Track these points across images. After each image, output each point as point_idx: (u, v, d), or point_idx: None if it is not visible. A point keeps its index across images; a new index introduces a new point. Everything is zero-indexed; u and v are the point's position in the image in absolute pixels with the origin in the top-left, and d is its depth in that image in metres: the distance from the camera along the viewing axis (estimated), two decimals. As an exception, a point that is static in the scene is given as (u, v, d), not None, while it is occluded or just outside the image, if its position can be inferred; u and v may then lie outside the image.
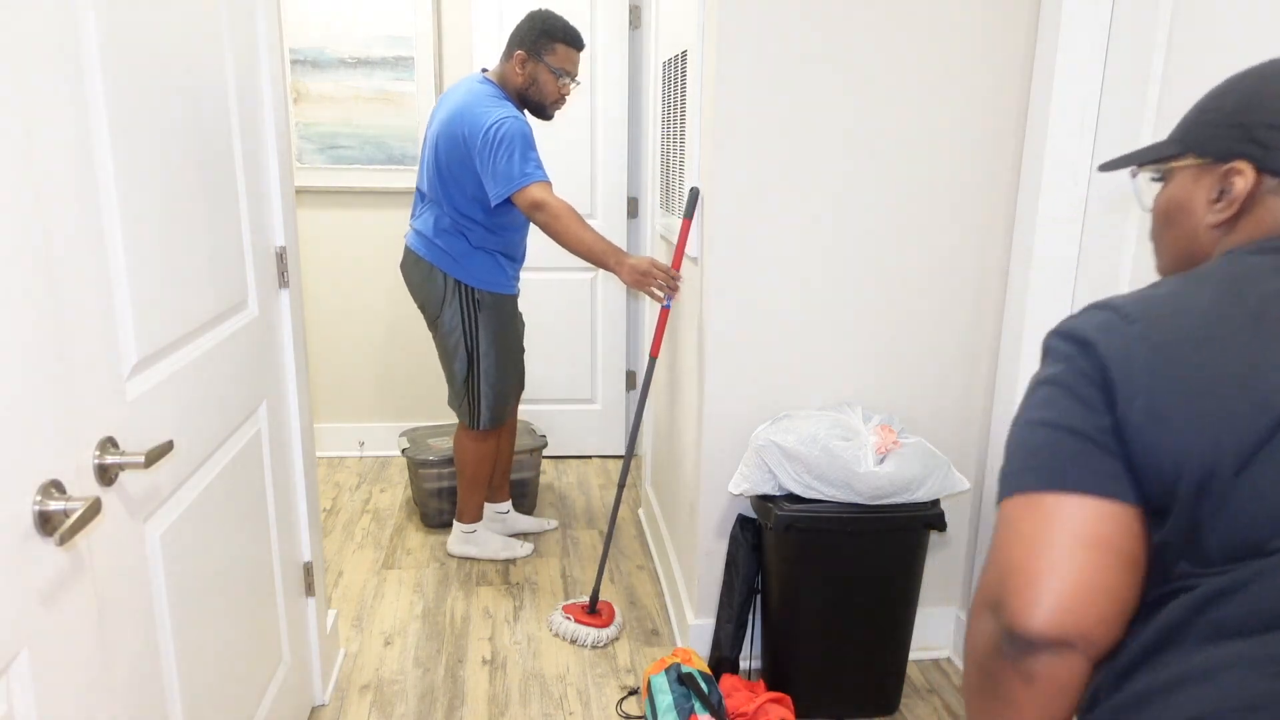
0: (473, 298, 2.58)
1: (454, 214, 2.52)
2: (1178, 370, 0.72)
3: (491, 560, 2.87)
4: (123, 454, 1.07)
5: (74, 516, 0.90)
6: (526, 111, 2.56)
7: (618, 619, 2.49)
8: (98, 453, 1.04)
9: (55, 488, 0.93)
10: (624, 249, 2.91)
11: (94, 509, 0.93)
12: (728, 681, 2.07)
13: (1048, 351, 0.82)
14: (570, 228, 2.37)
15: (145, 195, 1.19)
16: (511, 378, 2.72)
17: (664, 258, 2.73)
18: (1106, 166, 1.00)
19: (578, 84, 2.58)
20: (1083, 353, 0.78)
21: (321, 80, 3.42)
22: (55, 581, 0.94)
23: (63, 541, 0.88)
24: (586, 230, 2.39)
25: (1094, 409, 0.75)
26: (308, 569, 2.01)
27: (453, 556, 2.90)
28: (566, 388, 3.70)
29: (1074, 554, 0.72)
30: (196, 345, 1.39)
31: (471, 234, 2.53)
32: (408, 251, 2.64)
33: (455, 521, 2.88)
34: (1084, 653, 0.73)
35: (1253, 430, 0.69)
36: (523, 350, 2.79)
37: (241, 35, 1.59)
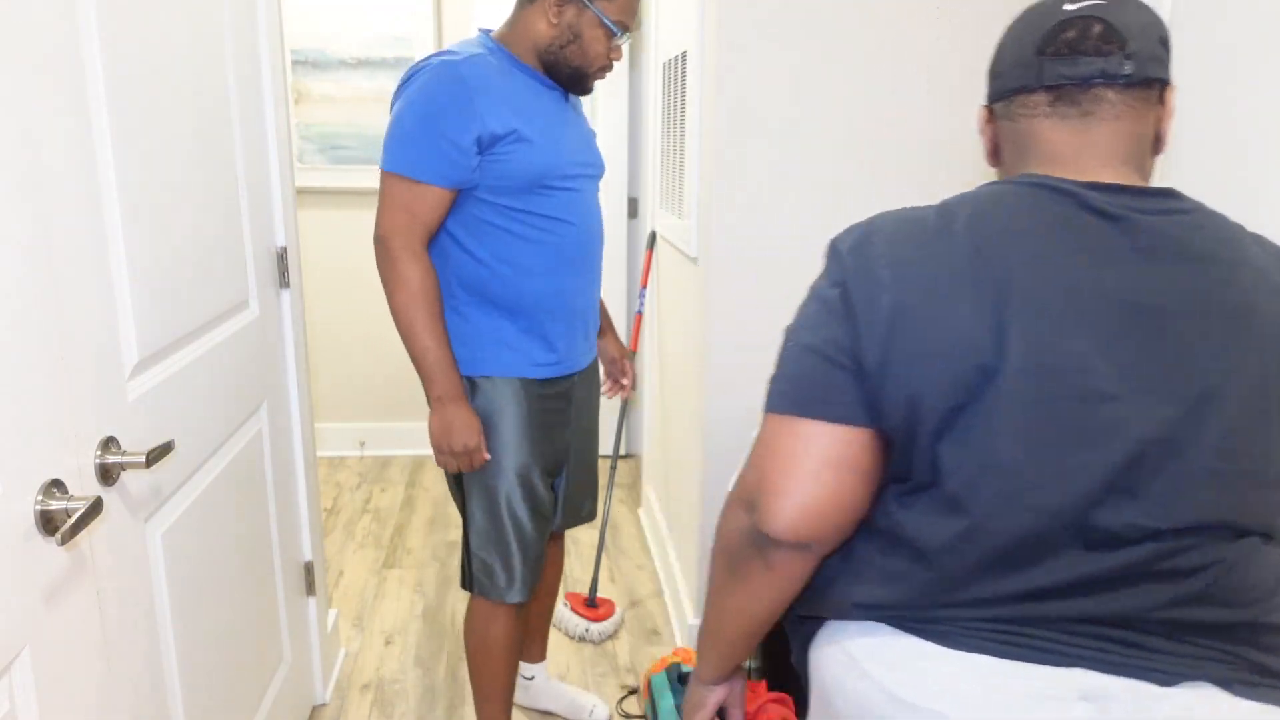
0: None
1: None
2: (905, 325, 0.82)
3: None
4: (124, 454, 1.07)
5: (75, 516, 0.90)
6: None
7: (615, 616, 2.48)
8: (99, 452, 1.04)
9: (57, 487, 0.93)
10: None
11: (95, 508, 0.93)
12: (728, 681, 2.07)
13: (826, 260, 0.92)
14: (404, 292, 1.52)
15: (146, 195, 1.19)
16: (518, 531, 1.66)
17: (664, 256, 2.73)
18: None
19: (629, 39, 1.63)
20: (838, 267, 0.88)
21: (323, 81, 3.42)
22: (57, 581, 0.95)
23: (64, 541, 0.88)
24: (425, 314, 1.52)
25: (842, 326, 0.85)
26: (308, 568, 2.02)
27: None
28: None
29: (819, 474, 0.84)
30: (198, 345, 1.39)
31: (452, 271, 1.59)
32: None
33: None
34: (817, 552, 0.89)
35: (952, 393, 0.80)
36: (562, 465, 1.77)
37: (243, 36, 1.60)
